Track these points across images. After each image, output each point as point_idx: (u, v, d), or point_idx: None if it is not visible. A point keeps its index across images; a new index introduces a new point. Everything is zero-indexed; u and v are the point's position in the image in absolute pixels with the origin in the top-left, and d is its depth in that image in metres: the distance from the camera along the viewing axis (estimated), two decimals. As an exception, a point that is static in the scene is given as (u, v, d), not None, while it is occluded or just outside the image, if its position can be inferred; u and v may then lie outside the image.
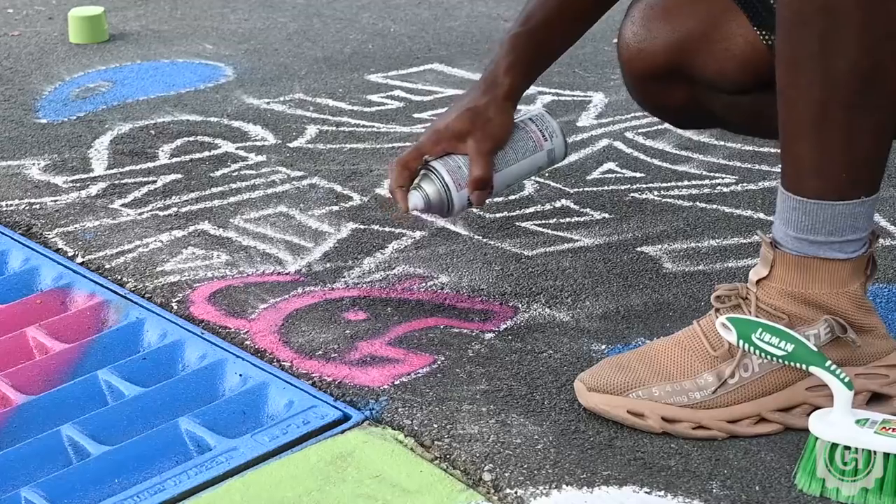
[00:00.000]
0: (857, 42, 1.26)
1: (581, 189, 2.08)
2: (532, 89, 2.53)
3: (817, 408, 1.37)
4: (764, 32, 1.53)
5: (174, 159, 2.25)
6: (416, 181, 1.66)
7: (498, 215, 1.98)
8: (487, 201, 1.72)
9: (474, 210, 1.99)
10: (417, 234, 1.92)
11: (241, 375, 1.56)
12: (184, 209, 2.04)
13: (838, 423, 1.29)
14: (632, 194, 2.05)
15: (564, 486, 1.34)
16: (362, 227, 1.95)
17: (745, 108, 1.60)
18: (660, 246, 1.87)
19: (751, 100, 1.58)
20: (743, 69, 1.55)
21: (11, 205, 2.07)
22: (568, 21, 1.71)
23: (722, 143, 2.25)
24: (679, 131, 2.30)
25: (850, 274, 1.37)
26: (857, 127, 1.30)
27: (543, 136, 1.70)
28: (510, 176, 1.69)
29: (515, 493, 1.33)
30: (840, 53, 1.27)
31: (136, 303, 1.73)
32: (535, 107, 1.73)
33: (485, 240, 1.90)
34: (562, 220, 1.96)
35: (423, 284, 1.77)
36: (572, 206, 2.01)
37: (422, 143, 1.66)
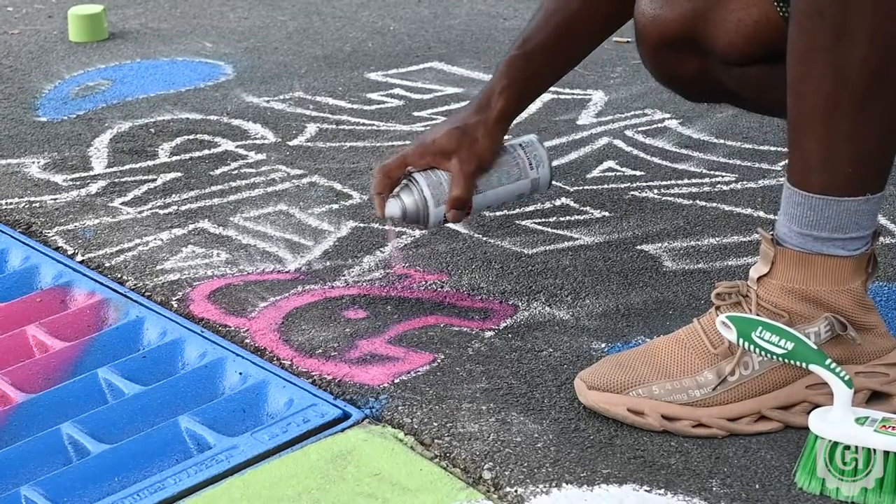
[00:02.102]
0: (870, 36, 1.26)
1: (581, 187, 2.08)
2: (532, 87, 2.53)
3: (817, 406, 1.37)
4: (780, 4, 1.53)
5: (174, 157, 2.25)
6: (396, 190, 1.66)
7: (498, 214, 1.98)
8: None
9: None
10: (417, 232, 1.92)
11: (240, 374, 1.56)
12: (184, 207, 2.04)
13: (838, 421, 1.29)
14: (632, 192, 2.05)
15: (564, 484, 1.34)
16: (362, 225, 1.95)
17: (755, 82, 1.60)
18: (660, 244, 1.87)
19: (760, 72, 1.57)
20: (755, 40, 1.55)
21: (11, 203, 2.07)
22: (566, 46, 1.70)
23: (722, 141, 2.25)
24: (680, 129, 2.30)
25: (852, 271, 1.37)
26: (866, 122, 1.30)
27: (530, 164, 1.70)
28: (490, 199, 1.69)
29: (515, 491, 1.33)
30: (853, 47, 1.27)
31: (135, 301, 1.73)
32: (528, 135, 1.73)
33: (485, 238, 1.90)
34: (562, 219, 1.96)
35: (423, 283, 1.77)
36: (572, 204, 2.01)
37: (407, 153, 1.67)
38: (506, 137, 1.70)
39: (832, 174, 1.33)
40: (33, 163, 2.24)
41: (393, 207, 1.65)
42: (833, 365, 1.31)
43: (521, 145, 1.71)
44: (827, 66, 1.29)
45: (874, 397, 1.41)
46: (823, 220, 1.34)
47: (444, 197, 1.64)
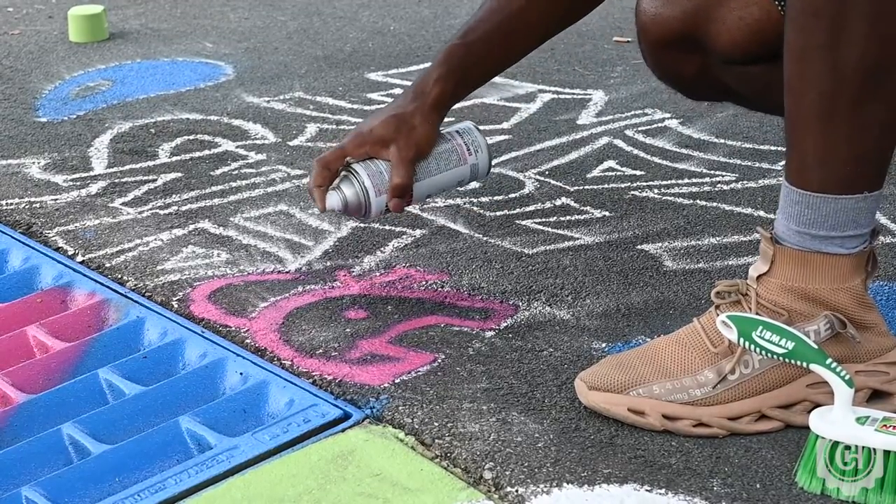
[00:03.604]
0: (867, 34, 1.26)
1: (581, 187, 2.08)
2: (531, 87, 2.54)
3: (818, 405, 1.37)
4: (781, 3, 1.53)
5: (174, 158, 2.25)
6: (336, 182, 1.65)
7: (498, 213, 1.98)
8: (430, 204, 1.71)
9: (474, 209, 2.00)
10: (418, 232, 1.92)
11: (241, 374, 1.56)
12: (184, 208, 2.04)
13: (839, 420, 1.29)
14: (632, 192, 2.05)
15: (565, 484, 1.34)
16: (362, 225, 1.95)
17: (756, 80, 1.60)
18: (660, 244, 1.87)
19: (761, 70, 1.58)
20: (755, 38, 1.55)
21: (11, 203, 2.07)
22: (508, 41, 1.69)
23: (722, 140, 2.25)
24: (680, 128, 2.30)
25: (851, 270, 1.37)
26: (863, 121, 1.30)
27: (468, 149, 1.70)
28: (431, 186, 1.69)
29: (516, 491, 1.33)
30: (850, 46, 1.27)
31: (136, 301, 1.73)
32: (464, 122, 1.73)
33: (485, 238, 1.90)
34: (562, 219, 1.96)
35: (424, 283, 1.77)
36: (573, 204, 2.01)
37: (345, 144, 1.65)
38: (441, 126, 1.69)
39: (830, 172, 1.33)
40: (34, 163, 2.24)
41: (333, 200, 1.64)
42: (833, 364, 1.31)
43: (458, 132, 1.71)
44: (824, 65, 1.29)
45: (875, 396, 1.41)
46: (821, 218, 1.34)
47: (385, 186, 1.63)
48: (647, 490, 1.32)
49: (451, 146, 1.69)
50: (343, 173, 1.65)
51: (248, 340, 1.64)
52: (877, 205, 1.37)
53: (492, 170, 1.74)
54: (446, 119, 1.69)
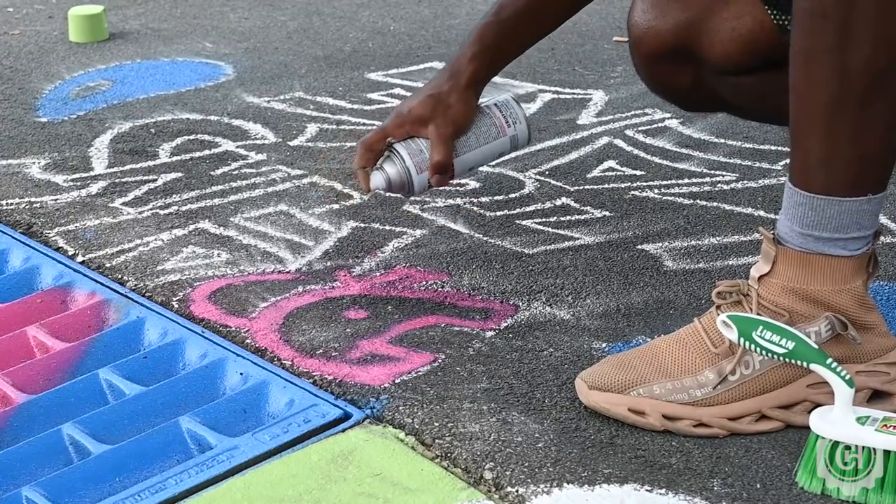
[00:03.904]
0: (874, 37, 1.26)
1: (581, 187, 2.08)
2: (532, 87, 2.54)
3: (818, 405, 1.37)
4: (774, 12, 1.53)
5: (174, 158, 2.25)
6: (379, 162, 1.69)
7: (498, 213, 1.98)
8: (459, 186, 1.72)
9: (475, 209, 2.00)
10: (418, 232, 1.92)
11: (241, 374, 1.56)
12: (184, 208, 2.04)
13: (839, 420, 1.29)
14: (632, 192, 2.05)
15: (565, 484, 1.34)
16: (363, 225, 1.95)
17: (751, 91, 1.60)
18: (660, 244, 1.87)
19: (755, 81, 1.58)
20: (749, 49, 1.55)
21: (12, 203, 2.07)
22: (540, 15, 1.72)
23: (722, 140, 2.25)
24: (681, 128, 2.30)
25: (853, 271, 1.37)
26: (869, 123, 1.30)
27: (507, 122, 1.73)
28: (471, 160, 1.72)
29: (516, 491, 1.33)
30: (857, 48, 1.27)
31: (136, 301, 1.73)
32: (503, 94, 1.76)
33: (485, 238, 1.90)
34: (562, 219, 1.96)
35: (424, 283, 1.77)
36: (573, 204, 2.01)
37: (386, 125, 1.70)
38: (481, 100, 1.72)
39: (834, 174, 1.33)
40: (34, 163, 2.24)
41: (378, 179, 1.68)
42: (834, 364, 1.31)
43: (496, 104, 1.74)
44: (830, 68, 1.29)
45: (875, 396, 1.41)
46: (825, 220, 1.34)
47: (426, 164, 1.67)
48: (647, 490, 1.32)
49: (490, 120, 1.72)
50: (385, 154, 1.69)
51: (248, 340, 1.64)
52: (880, 207, 1.37)
53: (531, 139, 1.78)
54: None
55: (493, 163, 1.88)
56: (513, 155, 1.84)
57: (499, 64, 1.73)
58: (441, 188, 1.73)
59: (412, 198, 1.94)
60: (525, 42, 1.76)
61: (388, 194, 1.81)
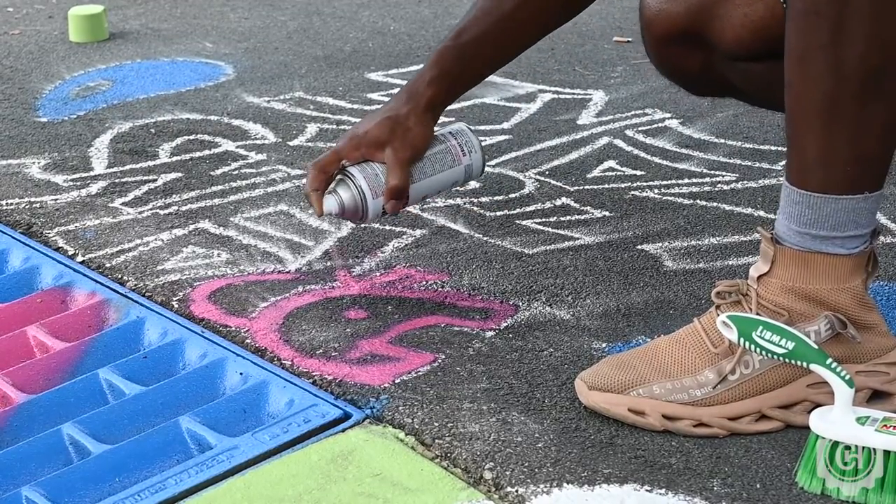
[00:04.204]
0: (868, 34, 1.26)
1: (581, 187, 2.08)
2: (531, 87, 2.54)
3: (818, 405, 1.37)
4: (786, 0, 1.53)
5: (174, 158, 2.25)
6: (332, 185, 1.64)
7: (498, 213, 1.98)
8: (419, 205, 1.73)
9: (474, 209, 2.00)
10: (418, 232, 1.92)
11: (241, 374, 1.56)
12: (184, 208, 2.04)
13: (839, 420, 1.29)
14: (632, 192, 2.05)
15: (565, 484, 1.34)
16: (362, 225, 1.95)
17: (760, 77, 1.60)
18: (660, 244, 1.87)
19: (765, 67, 1.58)
20: (760, 35, 1.55)
21: (12, 203, 2.07)
22: (501, 41, 1.68)
23: (722, 140, 2.25)
24: (681, 128, 2.30)
25: (852, 270, 1.37)
26: (865, 121, 1.30)
27: (462, 151, 1.70)
28: (426, 188, 1.68)
29: (516, 491, 1.33)
30: (851, 45, 1.27)
31: (136, 301, 1.73)
32: (458, 123, 1.73)
33: (485, 238, 1.90)
34: (562, 219, 1.96)
35: (424, 283, 1.77)
36: (573, 204, 2.01)
37: (340, 147, 1.65)
38: (435, 129, 1.69)
39: (831, 172, 1.33)
40: (34, 163, 2.24)
41: (330, 203, 1.63)
42: (834, 364, 1.31)
43: (451, 133, 1.71)
44: (825, 65, 1.29)
45: (875, 396, 1.41)
46: (822, 218, 1.34)
47: (381, 188, 1.63)
48: (647, 490, 1.32)
49: (445, 147, 1.69)
50: (339, 177, 1.64)
51: (248, 340, 1.64)
52: (877, 205, 1.37)
53: (485, 171, 1.75)
54: (442, 119, 1.69)
55: (449, 190, 1.83)
56: (470, 186, 1.81)
57: (458, 89, 1.69)
58: (392, 215, 1.68)
59: (362, 225, 1.91)
60: (484, 68, 1.72)
61: (340, 219, 1.77)
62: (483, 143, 1.71)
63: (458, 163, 1.70)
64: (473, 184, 2.08)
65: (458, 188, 1.76)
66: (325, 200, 1.63)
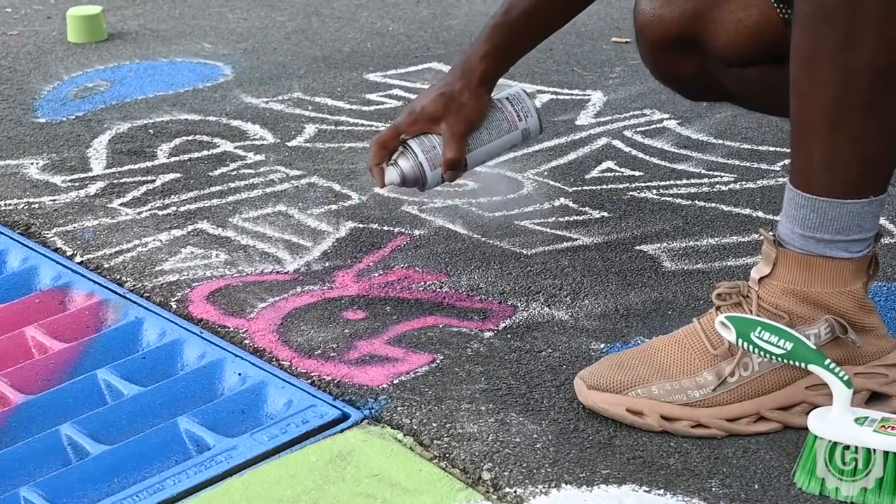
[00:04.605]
0: (877, 39, 1.26)
1: (580, 188, 2.08)
2: (530, 87, 2.54)
3: (817, 406, 1.36)
4: (781, 5, 1.53)
5: (173, 158, 2.25)
6: (393, 157, 1.73)
7: (497, 214, 1.98)
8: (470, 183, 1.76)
9: (473, 209, 2.00)
10: (416, 232, 1.92)
11: (240, 374, 1.56)
12: (182, 208, 2.04)
13: (837, 421, 1.29)
14: (630, 193, 2.05)
15: (564, 484, 1.34)
16: (361, 226, 1.95)
17: (755, 82, 1.60)
18: (659, 244, 1.87)
19: (760, 72, 1.58)
20: (754, 41, 1.55)
21: (10, 204, 2.07)
22: (549, 12, 1.75)
23: (720, 141, 2.25)
24: (679, 129, 2.30)
25: (854, 273, 1.37)
26: (871, 125, 1.30)
27: (518, 116, 1.77)
28: (484, 154, 1.77)
29: (515, 491, 1.33)
30: (860, 50, 1.26)
31: (134, 302, 1.73)
32: (514, 88, 1.78)
33: (484, 239, 1.90)
34: (561, 219, 1.96)
35: (422, 283, 1.77)
36: (571, 204, 2.01)
37: (399, 122, 1.74)
38: (493, 95, 1.76)
39: (836, 176, 1.33)
40: (32, 164, 2.24)
41: (392, 175, 1.73)
42: (832, 365, 1.31)
43: (507, 98, 1.78)
44: (833, 70, 1.28)
45: (873, 398, 1.41)
46: (826, 222, 1.34)
47: (439, 160, 1.72)
48: (645, 491, 1.32)
49: (502, 115, 1.76)
50: (399, 150, 1.73)
51: (246, 341, 1.64)
52: (881, 209, 1.37)
53: (543, 129, 1.82)
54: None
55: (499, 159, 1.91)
56: (469, 187, 1.87)
57: (509, 62, 1.76)
58: (451, 182, 1.78)
59: (424, 191, 1.94)
60: (535, 39, 1.78)
61: (402, 188, 1.84)
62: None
63: (514, 128, 1.77)
64: (472, 185, 2.08)
65: (515, 149, 1.86)
66: (388, 172, 1.73)
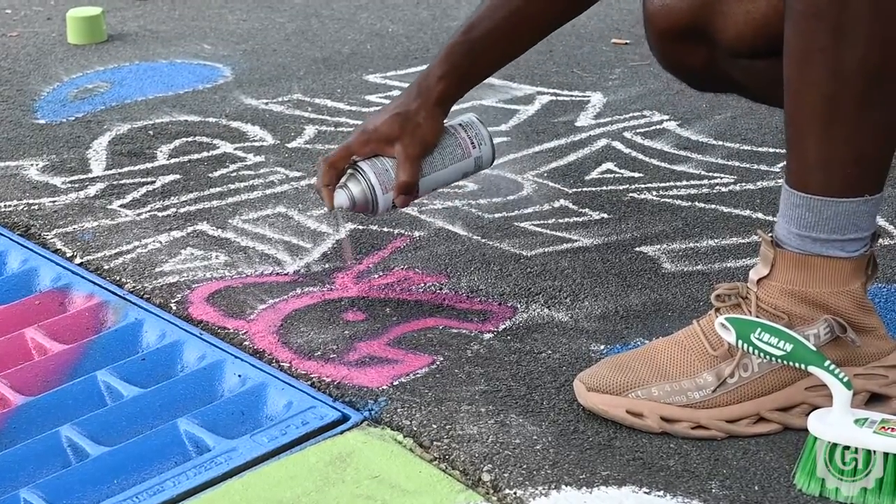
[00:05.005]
0: (868, 37, 1.26)
1: (580, 189, 2.08)
2: (530, 89, 2.54)
3: (816, 407, 1.37)
4: None
5: (172, 160, 2.25)
6: (343, 180, 1.66)
7: (496, 215, 1.98)
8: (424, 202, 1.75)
9: (473, 210, 2.00)
10: (416, 234, 1.92)
11: (239, 376, 1.56)
12: (182, 210, 2.04)
13: (837, 422, 1.29)
14: (630, 194, 2.05)
15: (563, 486, 1.34)
16: (361, 227, 1.95)
17: (763, 74, 1.60)
18: (658, 246, 1.87)
19: (767, 64, 1.57)
20: (762, 33, 1.54)
21: (10, 205, 2.07)
22: (511, 36, 1.70)
23: (720, 142, 2.25)
24: (679, 130, 2.30)
25: (852, 273, 1.37)
26: (865, 123, 1.30)
27: (472, 143, 1.71)
28: (436, 181, 1.70)
29: (514, 493, 1.33)
30: (851, 48, 1.27)
31: (134, 303, 1.73)
32: (468, 114, 1.74)
33: (483, 240, 1.90)
34: (560, 221, 1.96)
35: (422, 285, 1.77)
36: (571, 206, 2.01)
37: (350, 143, 1.67)
38: (445, 121, 1.71)
39: (831, 175, 1.33)
40: (32, 165, 2.24)
41: (341, 198, 1.65)
42: (832, 367, 1.31)
43: (461, 125, 1.72)
44: (825, 68, 1.29)
45: (873, 399, 1.41)
46: (822, 221, 1.34)
47: (391, 183, 1.65)
48: (645, 492, 1.32)
49: (455, 140, 1.70)
50: (349, 171, 1.66)
51: (246, 342, 1.64)
52: (877, 208, 1.37)
53: (496, 160, 1.76)
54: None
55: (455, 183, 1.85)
56: (469, 188, 1.83)
57: (468, 84, 1.71)
58: (403, 208, 1.72)
59: (372, 217, 1.92)
60: (494, 62, 1.73)
61: (349, 213, 1.80)
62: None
63: (467, 155, 1.71)
64: (472, 186, 2.08)
65: (464, 179, 1.78)
66: (337, 195, 1.65)
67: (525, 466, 1.37)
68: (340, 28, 3.07)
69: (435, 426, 1.45)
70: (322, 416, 1.47)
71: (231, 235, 1.94)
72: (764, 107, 2.19)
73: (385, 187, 1.65)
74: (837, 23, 1.26)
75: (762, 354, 1.34)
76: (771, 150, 2.20)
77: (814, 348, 1.33)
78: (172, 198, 2.08)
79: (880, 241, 1.83)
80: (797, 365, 1.33)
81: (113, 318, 1.71)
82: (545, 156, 2.22)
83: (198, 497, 1.36)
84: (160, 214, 2.02)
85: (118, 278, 1.82)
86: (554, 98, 2.52)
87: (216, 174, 2.18)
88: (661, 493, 1.32)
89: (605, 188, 2.08)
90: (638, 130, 2.32)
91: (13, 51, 2.92)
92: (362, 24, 3.09)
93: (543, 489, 1.33)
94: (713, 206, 1.99)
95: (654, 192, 2.05)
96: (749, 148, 2.22)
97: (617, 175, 2.13)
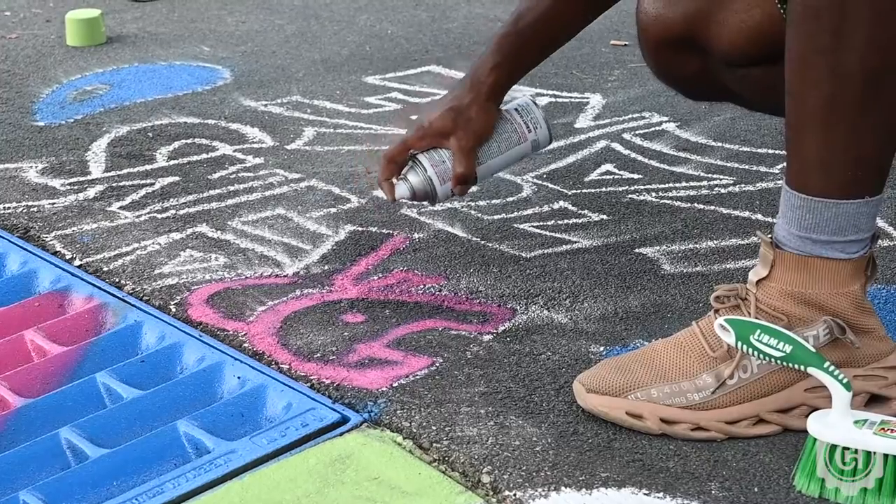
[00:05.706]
0: (868, 38, 1.26)
1: (579, 191, 2.08)
2: (529, 90, 2.54)
3: (816, 409, 1.37)
4: (784, 6, 1.53)
5: (172, 162, 2.25)
6: (403, 172, 1.73)
7: (496, 217, 1.98)
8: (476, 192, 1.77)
9: (472, 212, 2.00)
10: (416, 235, 1.92)
11: (239, 378, 1.56)
12: (181, 212, 2.04)
13: (837, 424, 1.29)
14: (630, 196, 2.05)
15: (563, 487, 1.34)
16: (360, 229, 1.95)
17: (757, 82, 1.60)
18: (658, 247, 1.87)
19: (762, 73, 1.58)
20: (756, 41, 1.55)
21: (9, 207, 2.07)
22: (558, 24, 1.74)
23: (720, 144, 2.25)
24: (678, 132, 2.31)
25: (851, 274, 1.37)
26: (865, 125, 1.30)
27: (527, 127, 1.76)
28: (494, 168, 1.76)
29: (514, 495, 1.33)
30: (851, 49, 1.27)
31: (134, 305, 1.73)
32: (523, 97, 1.77)
33: (483, 241, 1.90)
34: (560, 222, 1.96)
35: (422, 286, 1.77)
36: (570, 207, 2.01)
37: (408, 137, 1.73)
38: (501, 105, 1.75)
39: (831, 177, 1.33)
40: (31, 167, 2.24)
41: (402, 189, 1.72)
42: (831, 368, 1.31)
43: (516, 110, 1.76)
44: (825, 69, 1.29)
45: (873, 400, 1.41)
46: (822, 222, 1.34)
47: (449, 174, 1.71)
48: (644, 494, 1.32)
49: (511, 126, 1.75)
50: (409, 164, 1.73)
51: (245, 344, 1.64)
52: (877, 209, 1.37)
53: (553, 139, 1.81)
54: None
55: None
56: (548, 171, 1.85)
57: (518, 73, 1.75)
58: (462, 196, 1.79)
59: (437, 205, 1.97)
60: (544, 51, 1.78)
61: (412, 203, 1.84)
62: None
63: (523, 140, 1.76)
64: (471, 188, 2.07)
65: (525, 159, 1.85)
66: (397, 187, 1.72)
67: (525, 468, 1.37)
68: (339, 30, 3.07)
69: (434, 428, 1.45)
70: (321, 417, 1.47)
71: (230, 237, 1.94)
72: (763, 109, 2.20)
73: (442, 178, 1.71)
74: (837, 25, 1.26)
75: (761, 356, 1.34)
76: (770, 151, 2.20)
77: (813, 350, 1.33)
78: (172, 200, 2.08)
79: (880, 242, 1.83)
80: (797, 366, 1.33)
81: (112, 319, 1.71)
82: (544, 157, 2.22)
83: (197, 499, 1.36)
84: (159, 216, 2.02)
85: (117, 280, 1.82)
86: (553, 100, 2.52)
87: (215, 176, 2.18)
88: (661, 494, 1.32)
89: (604, 190, 2.08)
90: (637, 132, 2.32)
91: (12, 53, 2.92)
92: (361, 26, 3.10)
93: (543, 491, 1.33)
94: (712, 207, 1.99)
95: (654, 194, 2.05)
96: (748, 149, 2.22)
97: (616, 176, 2.13)
